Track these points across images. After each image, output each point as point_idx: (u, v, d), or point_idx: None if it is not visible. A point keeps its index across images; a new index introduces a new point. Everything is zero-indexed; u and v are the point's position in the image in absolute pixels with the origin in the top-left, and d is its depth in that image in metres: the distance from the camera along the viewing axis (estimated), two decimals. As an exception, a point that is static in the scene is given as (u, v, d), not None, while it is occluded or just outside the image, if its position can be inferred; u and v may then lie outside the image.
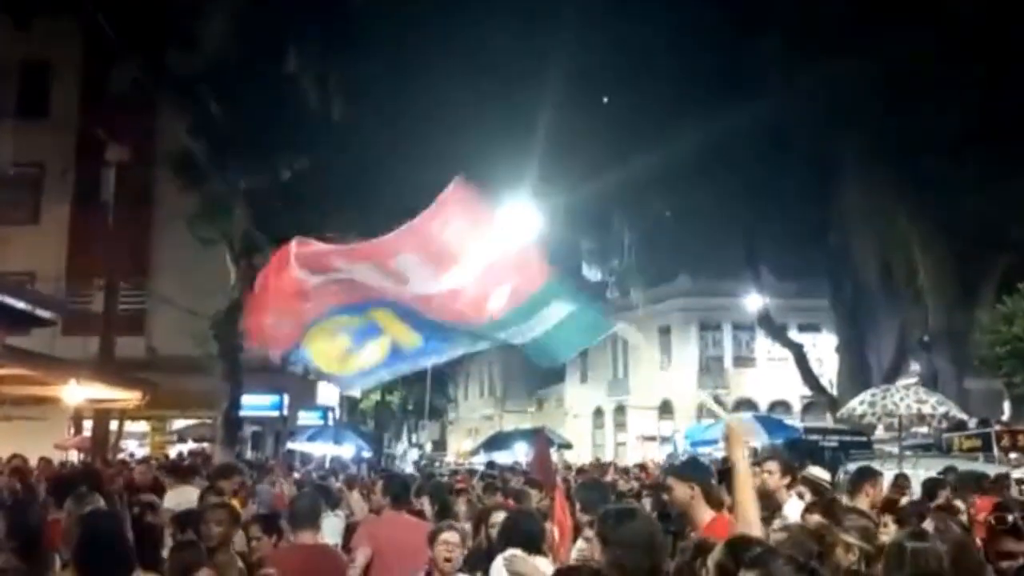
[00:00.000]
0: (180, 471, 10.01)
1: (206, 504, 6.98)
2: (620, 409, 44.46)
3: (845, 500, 7.08)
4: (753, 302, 27.62)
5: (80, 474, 9.45)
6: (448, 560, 5.37)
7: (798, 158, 21.25)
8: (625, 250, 29.64)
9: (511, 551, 5.58)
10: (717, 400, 4.45)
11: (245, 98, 18.97)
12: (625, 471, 19.60)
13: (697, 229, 25.59)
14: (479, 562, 5.69)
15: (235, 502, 8.83)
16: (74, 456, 17.96)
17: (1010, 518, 4.05)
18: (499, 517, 6.23)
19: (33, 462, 12.71)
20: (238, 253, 20.61)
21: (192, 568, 4.40)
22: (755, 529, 3.60)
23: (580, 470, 19.43)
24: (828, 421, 21.67)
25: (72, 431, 19.49)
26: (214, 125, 19.56)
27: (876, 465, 9.83)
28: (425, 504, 8.00)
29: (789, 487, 6.69)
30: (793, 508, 6.05)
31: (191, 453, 20.22)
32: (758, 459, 7.01)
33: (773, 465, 6.79)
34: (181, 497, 8.77)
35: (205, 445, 22.25)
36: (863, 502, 6.83)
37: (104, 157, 18.86)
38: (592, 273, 37.88)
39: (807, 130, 20.68)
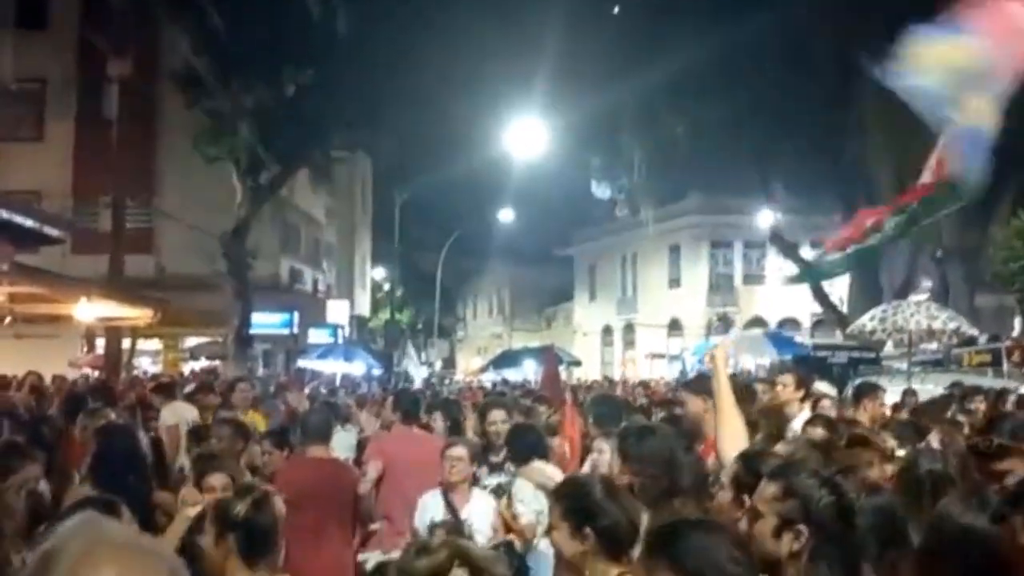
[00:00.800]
0: (164, 388, 10.08)
1: (216, 419, 7.06)
2: (629, 327, 44.67)
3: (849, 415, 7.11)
4: (765, 219, 27.40)
5: (93, 390, 9.53)
6: (456, 474, 5.45)
7: (814, 71, 20.77)
8: (635, 168, 29.25)
9: (535, 463, 5.69)
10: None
11: (249, 12, 18.56)
12: (633, 388, 19.78)
13: (709, 145, 25.19)
14: (477, 455, 5.90)
15: (256, 417, 8.93)
16: (88, 373, 18.12)
17: (995, 441, 4.00)
18: (498, 415, 6.47)
19: (48, 379, 12.83)
20: (244, 170, 20.47)
21: (208, 474, 4.45)
22: (742, 445, 3.59)
23: (589, 387, 19.60)
24: (838, 338, 21.69)
25: (85, 349, 19.67)
26: (218, 40, 19.20)
27: (884, 381, 9.85)
28: (438, 420, 8.07)
29: (803, 401, 6.71)
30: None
31: (203, 370, 20.43)
32: (771, 374, 7.03)
33: (788, 378, 6.81)
34: (175, 413, 8.85)
35: (217, 362, 22.48)
36: (862, 417, 6.86)
37: (106, 72, 18.54)
38: (601, 191, 37.50)
39: (823, 40, 20.17)
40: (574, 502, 3.01)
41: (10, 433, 5.49)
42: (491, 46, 21.75)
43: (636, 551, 2.85)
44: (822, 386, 8.29)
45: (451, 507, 5.36)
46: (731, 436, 3.56)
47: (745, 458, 3.17)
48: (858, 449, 4.36)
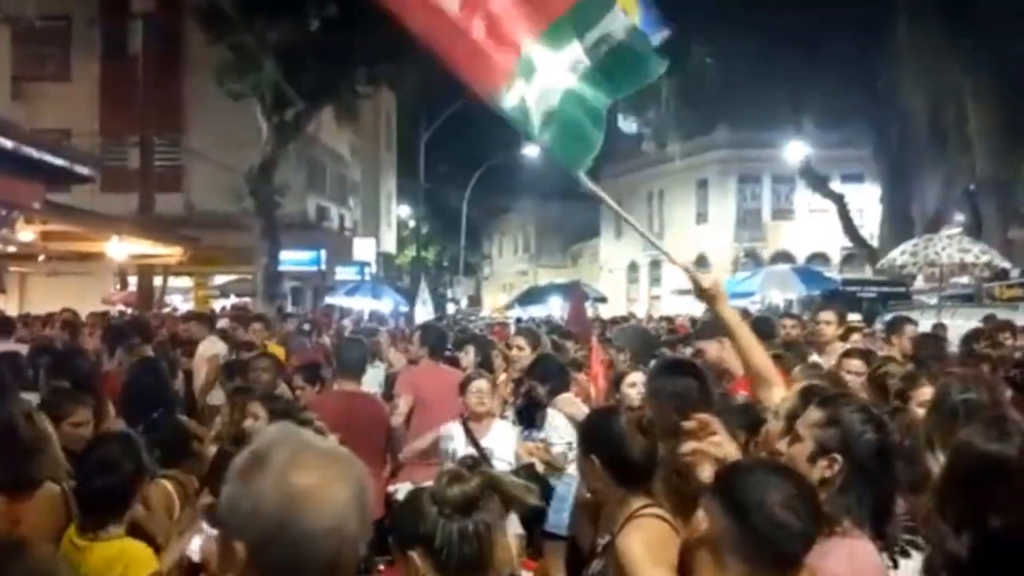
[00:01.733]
0: (204, 319, 10.33)
1: (253, 354, 7.18)
2: (655, 264, 44.50)
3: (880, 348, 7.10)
4: (794, 153, 26.99)
5: (130, 325, 9.70)
6: (479, 406, 5.59)
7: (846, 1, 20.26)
8: (662, 101, 28.80)
9: (566, 394, 5.80)
10: (685, 269, 4.28)
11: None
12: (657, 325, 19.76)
13: (738, 78, 24.73)
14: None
15: (277, 350, 9.08)
16: (122, 310, 18.42)
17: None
18: (519, 341, 6.96)
19: (82, 317, 13.06)
20: (269, 108, 20.40)
21: (245, 407, 4.58)
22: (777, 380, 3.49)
23: (614, 320, 19.61)
24: (868, 273, 21.53)
25: (118, 286, 19.96)
26: (241, -27, 18.98)
27: (915, 316, 9.79)
28: (470, 354, 8.18)
29: (843, 339, 6.70)
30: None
31: (233, 307, 20.68)
32: (802, 309, 7.02)
33: (830, 315, 6.76)
34: (213, 345, 9.05)
35: (247, 299, 22.74)
36: (894, 351, 6.85)
37: (130, 8, 18.45)
38: (628, 125, 37.04)
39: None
40: (594, 432, 3.05)
41: (48, 369, 5.61)
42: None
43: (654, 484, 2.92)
44: (851, 317, 8.28)
45: (472, 437, 5.51)
46: (760, 368, 3.44)
47: (803, 393, 3.14)
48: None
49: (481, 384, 5.67)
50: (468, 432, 5.53)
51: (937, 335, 7.92)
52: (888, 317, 10.28)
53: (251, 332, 9.54)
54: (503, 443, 5.53)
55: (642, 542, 2.73)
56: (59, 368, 5.42)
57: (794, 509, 2.01)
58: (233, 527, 1.46)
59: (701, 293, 3.46)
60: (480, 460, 5.04)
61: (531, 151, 42.84)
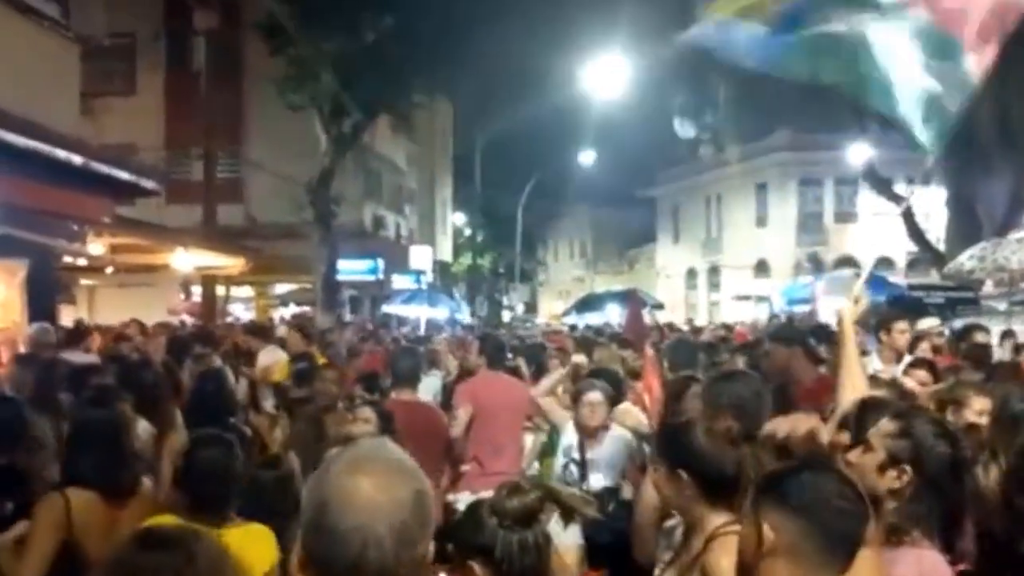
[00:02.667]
0: (261, 331, 10.47)
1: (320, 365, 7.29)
2: (714, 269, 44.07)
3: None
4: (857, 154, 26.45)
5: (197, 335, 9.91)
6: (594, 419, 5.49)
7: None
8: (719, 105, 28.55)
9: (625, 404, 5.77)
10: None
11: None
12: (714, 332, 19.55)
13: (797, 80, 24.37)
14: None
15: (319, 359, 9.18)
16: (186, 320, 18.81)
17: None
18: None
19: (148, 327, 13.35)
20: (327, 118, 20.71)
21: (317, 415, 4.75)
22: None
23: (669, 326, 19.44)
24: (934, 278, 21.00)
25: (182, 296, 20.41)
26: (299, -13, 19.32)
27: (983, 322, 9.54)
28: (522, 364, 8.18)
29: (910, 348, 6.58)
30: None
31: (294, 316, 20.99)
32: (880, 317, 6.89)
33: (903, 324, 6.64)
34: (269, 355, 9.17)
35: (307, 308, 23.06)
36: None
37: (193, 25, 18.90)
38: (684, 130, 36.81)
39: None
40: (682, 446, 2.99)
41: (117, 378, 5.76)
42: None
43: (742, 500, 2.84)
44: (929, 322, 8.08)
45: (580, 447, 5.46)
46: (849, 379, 3.48)
47: (863, 405, 3.11)
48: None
49: (593, 396, 5.55)
50: (580, 444, 5.49)
51: (983, 344, 7.67)
52: (958, 323, 10.04)
53: (290, 341, 9.56)
54: (613, 454, 5.47)
55: (733, 563, 2.69)
56: (127, 379, 5.55)
57: (847, 495, 2.04)
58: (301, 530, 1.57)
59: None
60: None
61: (586, 157, 42.79)
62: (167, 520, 3.05)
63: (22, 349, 7.72)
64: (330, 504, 1.51)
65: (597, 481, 5.26)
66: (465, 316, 23.20)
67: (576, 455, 5.41)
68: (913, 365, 5.48)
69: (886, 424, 2.66)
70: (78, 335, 9.84)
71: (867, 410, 2.93)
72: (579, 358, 7.30)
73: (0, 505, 3.83)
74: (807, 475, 2.11)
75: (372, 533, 1.49)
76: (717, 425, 3.46)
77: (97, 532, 3.42)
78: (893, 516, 2.50)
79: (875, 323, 7.43)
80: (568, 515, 2.34)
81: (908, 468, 2.53)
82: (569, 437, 5.55)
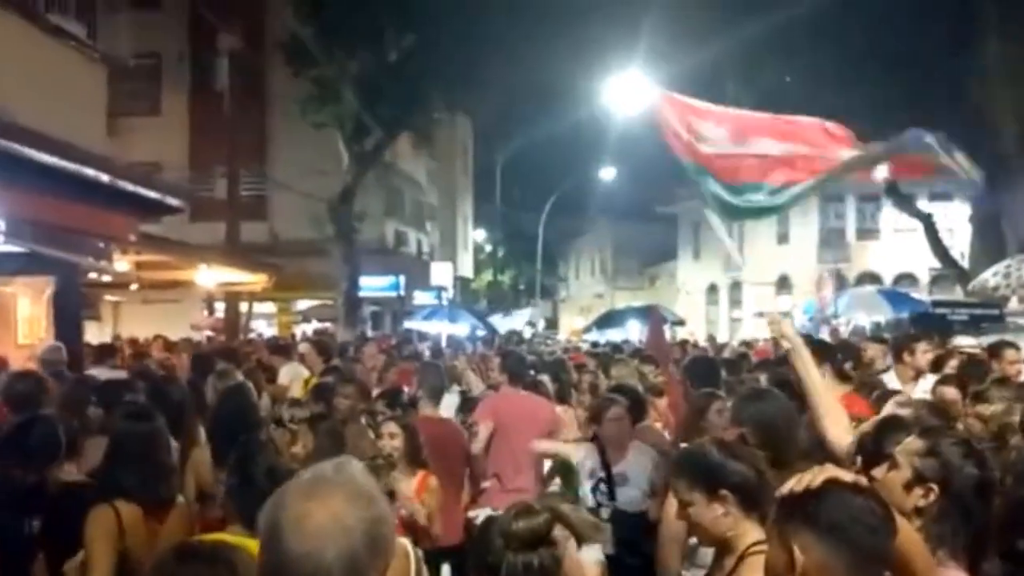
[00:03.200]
0: (282, 350, 10.53)
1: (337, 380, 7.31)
2: (735, 285, 43.83)
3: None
4: (879, 170, 26.29)
5: (220, 352, 9.99)
6: (617, 433, 5.47)
7: (932, 12, 19.73)
8: (741, 120, 28.40)
9: (643, 424, 5.74)
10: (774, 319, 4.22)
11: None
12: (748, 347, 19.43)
13: (819, 95, 24.24)
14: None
15: None
16: (210, 336, 18.95)
17: None
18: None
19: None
20: (349, 137, 20.89)
21: (335, 430, 4.80)
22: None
23: (693, 344, 19.36)
24: (958, 294, 20.81)
25: (206, 313, 20.57)
26: (321, 9, 19.53)
27: (1009, 339, 9.44)
28: (546, 380, 8.20)
29: (936, 366, 6.55)
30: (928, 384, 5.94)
31: (316, 332, 21.10)
32: (899, 336, 6.87)
33: (924, 345, 6.63)
34: (288, 373, 9.25)
35: (328, 324, 23.17)
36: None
37: (217, 45, 19.14)
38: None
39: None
40: (721, 468, 2.96)
41: (146, 396, 5.83)
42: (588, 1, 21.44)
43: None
44: (962, 339, 8.03)
45: (604, 461, 5.39)
46: (826, 410, 3.45)
47: (885, 422, 3.11)
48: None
49: (617, 411, 5.52)
50: (602, 453, 5.43)
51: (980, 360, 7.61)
52: (987, 340, 9.93)
53: (306, 357, 9.59)
54: (639, 469, 5.41)
55: None
56: (154, 395, 5.62)
57: (874, 510, 2.04)
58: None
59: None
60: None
61: (606, 173, 42.78)
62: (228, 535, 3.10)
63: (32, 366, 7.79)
64: (283, 528, 1.52)
65: (625, 495, 5.21)
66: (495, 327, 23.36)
67: (602, 473, 5.35)
68: (943, 382, 5.44)
69: (913, 442, 2.64)
70: (108, 351, 9.97)
71: (887, 429, 2.93)
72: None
73: (27, 523, 3.89)
74: (833, 495, 2.10)
75: (321, 561, 1.50)
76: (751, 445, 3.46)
77: (142, 544, 3.49)
78: (919, 535, 2.49)
79: (895, 342, 7.38)
80: (578, 538, 2.34)
81: (935, 487, 2.51)
82: (589, 459, 5.46)
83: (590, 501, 5.23)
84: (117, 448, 3.85)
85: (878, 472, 2.73)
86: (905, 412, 4.13)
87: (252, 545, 3.22)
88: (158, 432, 3.97)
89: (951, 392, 5.08)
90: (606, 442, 5.47)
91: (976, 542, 2.51)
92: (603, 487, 5.30)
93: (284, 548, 1.50)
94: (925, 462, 2.55)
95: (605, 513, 5.03)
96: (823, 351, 5.48)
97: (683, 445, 3.91)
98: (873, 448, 2.91)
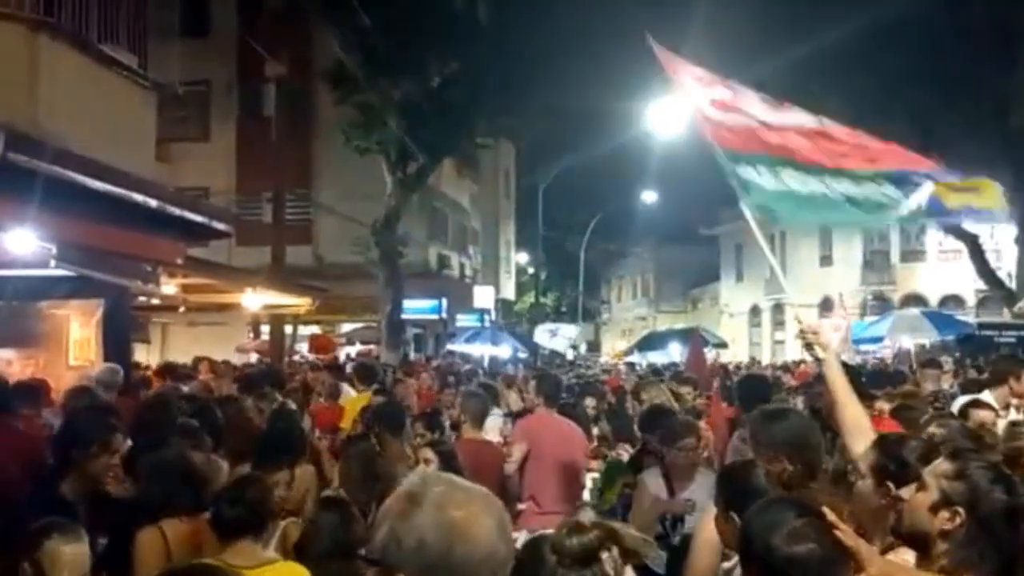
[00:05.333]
0: (334, 370, 10.69)
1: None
2: (778, 307, 43.44)
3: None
4: (924, 191, 25.93)
5: (264, 374, 10.15)
6: (686, 459, 5.41)
7: (974, 34, 19.52)
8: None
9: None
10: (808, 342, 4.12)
11: (395, 8, 19.13)
12: (784, 369, 19.27)
13: (862, 117, 24.03)
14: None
15: (364, 399, 9.34)
16: (254, 358, 19.26)
17: None
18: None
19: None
20: (393, 162, 21.15)
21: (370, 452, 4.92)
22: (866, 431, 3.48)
23: (738, 367, 19.23)
24: (1005, 316, 20.42)
25: (251, 335, 20.88)
26: (366, 37, 19.88)
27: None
28: (588, 403, 8.25)
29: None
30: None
31: (359, 354, 21.29)
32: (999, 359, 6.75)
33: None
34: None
35: (372, 347, 23.36)
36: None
37: (264, 73, 19.55)
38: (748, 169, 36.51)
39: (984, 1, 18.96)
40: (734, 488, 2.98)
41: (189, 413, 5.99)
42: (632, 24, 21.47)
43: None
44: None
45: (671, 490, 5.34)
46: (853, 424, 3.42)
47: (883, 444, 3.11)
48: None
49: (689, 442, 5.47)
50: (668, 482, 5.37)
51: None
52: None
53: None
54: (705, 495, 5.18)
55: None
56: (198, 416, 5.77)
57: (807, 540, 2.16)
58: (395, 562, 1.64)
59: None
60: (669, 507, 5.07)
61: (648, 195, 42.69)
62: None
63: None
64: (458, 536, 1.61)
65: (693, 522, 4.98)
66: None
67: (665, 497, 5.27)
68: (974, 405, 5.39)
69: (942, 464, 2.62)
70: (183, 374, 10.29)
71: (912, 448, 2.93)
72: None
73: (95, 539, 4.03)
74: (763, 512, 2.24)
75: (498, 559, 1.64)
76: (772, 467, 3.47)
77: (191, 555, 3.60)
78: (945, 559, 2.47)
79: (996, 365, 7.21)
80: (629, 556, 2.36)
81: (961, 511, 2.48)
82: (653, 485, 5.37)
83: (657, 530, 5.14)
84: (159, 466, 4.00)
85: (905, 492, 2.74)
86: (939, 432, 4.12)
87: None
88: (180, 450, 4.13)
89: (980, 416, 5.03)
90: (673, 469, 5.41)
91: (1004, 568, 2.47)
92: (669, 516, 5.22)
93: (464, 555, 1.60)
94: (953, 485, 2.53)
95: (676, 541, 4.95)
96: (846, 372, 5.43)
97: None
98: (897, 467, 2.90)
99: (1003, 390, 6.53)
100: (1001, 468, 2.64)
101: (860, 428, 3.35)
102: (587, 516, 4.97)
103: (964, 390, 7.23)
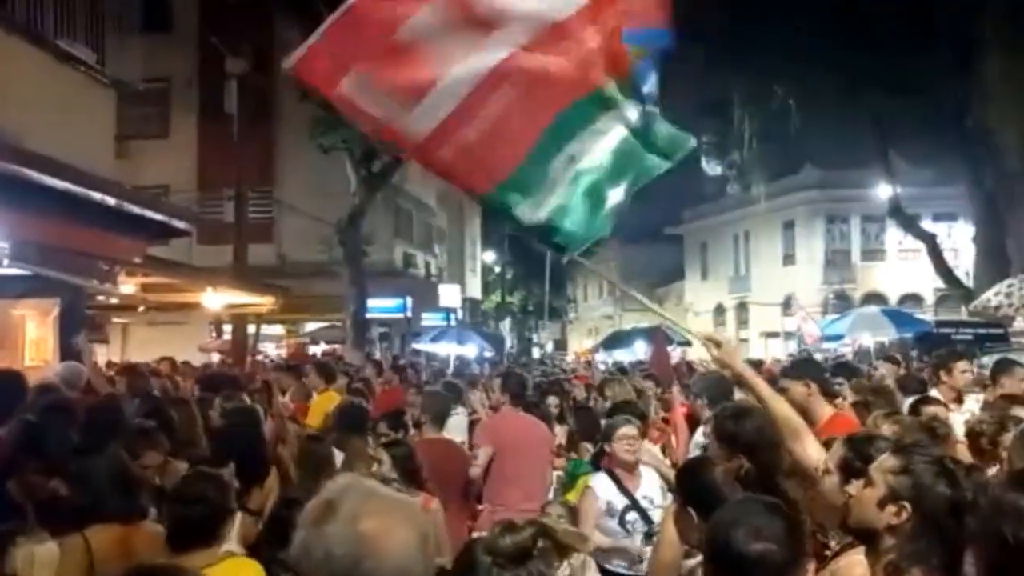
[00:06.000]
0: (292, 370, 10.58)
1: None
2: (742, 306, 43.87)
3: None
4: (883, 192, 26.36)
5: (227, 376, 10.04)
6: (628, 454, 5.34)
7: (933, 34, 19.84)
8: (746, 142, 28.55)
9: (644, 443, 5.70)
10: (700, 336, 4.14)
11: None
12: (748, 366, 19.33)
13: (823, 117, 24.39)
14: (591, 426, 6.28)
15: (334, 397, 9.28)
16: (216, 358, 19.05)
17: None
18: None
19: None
20: (357, 160, 21.02)
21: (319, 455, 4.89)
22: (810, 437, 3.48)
23: (701, 363, 19.30)
24: (963, 314, 20.79)
25: (213, 335, 20.65)
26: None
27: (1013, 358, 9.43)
28: (551, 401, 8.25)
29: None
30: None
31: (324, 354, 21.14)
32: (939, 355, 6.84)
33: (965, 364, 6.61)
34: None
35: (337, 346, 23.22)
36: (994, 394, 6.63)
37: (226, 69, 19.33)
38: (712, 168, 36.83)
39: (943, 1, 19.27)
40: (690, 484, 2.97)
41: (143, 414, 5.91)
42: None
43: None
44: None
45: (624, 489, 5.25)
46: (784, 424, 3.42)
47: (852, 442, 3.13)
48: None
49: (629, 430, 5.38)
50: (620, 485, 5.26)
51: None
52: (986, 360, 9.93)
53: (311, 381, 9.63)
54: (656, 490, 5.31)
55: None
56: (160, 417, 5.68)
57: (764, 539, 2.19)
58: (306, 571, 1.58)
59: (717, 353, 3.48)
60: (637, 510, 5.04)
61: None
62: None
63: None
64: (367, 549, 1.54)
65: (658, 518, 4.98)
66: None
67: (626, 500, 5.20)
68: (924, 401, 5.50)
69: (888, 459, 2.64)
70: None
71: (869, 445, 2.96)
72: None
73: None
74: (723, 510, 2.26)
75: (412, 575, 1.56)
76: (731, 464, 3.49)
77: (116, 564, 3.49)
78: (893, 553, 2.49)
79: (935, 361, 7.35)
80: (563, 552, 2.36)
81: (907, 505, 2.51)
82: (603, 492, 5.26)
83: (620, 534, 5.10)
84: (87, 471, 3.89)
85: (853, 488, 2.75)
86: (893, 428, 4.17)
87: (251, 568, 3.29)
88: (116, 452, 4.06)
89: (930, 412, 5.11)
90: (621, 464, 5.36)
91: (949, 561, 2.49)
92: (631, 514, 5.16)
93: (373, 569, 1.53)
94: (899, 480, 2.55)
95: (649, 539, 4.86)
96: (810, 368, 5.52)
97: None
98: (864, 465, 2.92)
99: (942, 387, 6.68)
100: (945, 462, 2.65)
101: (792, 424, 3.36)
102: (556, 511, 4.98)
103: (901, 387, 7.35)
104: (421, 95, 3.46)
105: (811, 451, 3.32)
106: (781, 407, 3.43)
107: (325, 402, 8.19)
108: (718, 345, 3.44)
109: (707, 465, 3.31)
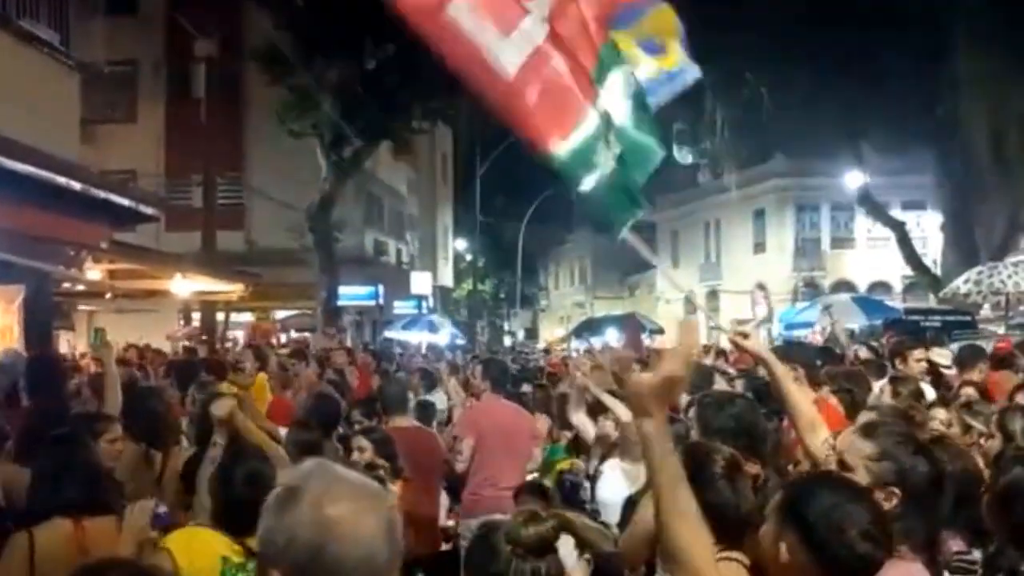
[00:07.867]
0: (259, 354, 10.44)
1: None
2: (713, 294, 44.10)
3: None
4: (853, 180, 26.56)
5: (202, 363, 9.87)
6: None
7: (904, 25, 19.99)
8: (717, 131, 28.64)
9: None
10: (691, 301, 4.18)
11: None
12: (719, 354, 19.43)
13: (794, 106, 24.48)
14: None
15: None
16: (189, 345, 18.79)
17: None
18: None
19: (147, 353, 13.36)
20: (328, 146, 20.82)
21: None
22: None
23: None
24: (931, 302, 21.00)
25: (182, 322, 20.39)
26: (299, 17, 19.48)
27: (981, 345, 9.52)
28: (525, 389, 8.21)
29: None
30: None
31: (294, 342, 20.95)
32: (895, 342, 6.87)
33: (920, 352, 6.66)
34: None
35: (307, 334, 23.04)
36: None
37: (193, 53, 19.03)
38: (683, 156, 36.93)
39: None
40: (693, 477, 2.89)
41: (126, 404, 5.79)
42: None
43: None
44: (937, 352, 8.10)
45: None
46: (805, 418, 3.37)
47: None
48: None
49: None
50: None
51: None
52: (954, 347, 10.00)
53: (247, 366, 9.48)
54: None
55: None
56: (133, 405, 5.57)
57: (864, 522, 2.13)
58: (270, 557, 1.55)
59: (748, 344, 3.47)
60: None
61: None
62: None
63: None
64: (331, 535, 1.49)
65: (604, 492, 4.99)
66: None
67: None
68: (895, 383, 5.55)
69: (859, 446, 2.64)
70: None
71: None
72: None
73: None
74: (827, 498, 2.18)
75: (378, 562, 1.51)
76: (717, 454, 3.45)
77: (63, 563, 3.25)
78: None
79: (891, 349, 7.41)
80: (583, 547, 2.30)
81: (896, 490, 2.53)
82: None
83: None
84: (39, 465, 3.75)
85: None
86: (872, 415, 4.16)
87: (207, 535, 3.21)
88: (82, 439, 3.96)
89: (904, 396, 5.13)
90: (604, 443, 5.40)
91: (932, 533, 2.58)
92: (587, 484, 5.31)
93: (337, 556, 1.48)
94: (880, 466, 2.57)
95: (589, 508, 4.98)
96: (798, 353, 5.51)
97: None
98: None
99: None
100: (914, 436, 2.72)
101: (808, 421, 3.34)
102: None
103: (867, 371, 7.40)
104: (511, 27, 3.45)
105: (818, 444, 3.29)
106: (801, 401, 3.40)
107: (257, 390, 7.97)
108: (746, 337, 3.43)
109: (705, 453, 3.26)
